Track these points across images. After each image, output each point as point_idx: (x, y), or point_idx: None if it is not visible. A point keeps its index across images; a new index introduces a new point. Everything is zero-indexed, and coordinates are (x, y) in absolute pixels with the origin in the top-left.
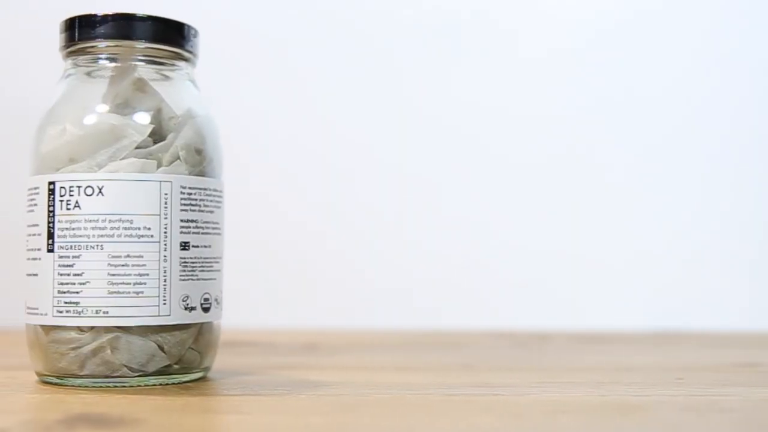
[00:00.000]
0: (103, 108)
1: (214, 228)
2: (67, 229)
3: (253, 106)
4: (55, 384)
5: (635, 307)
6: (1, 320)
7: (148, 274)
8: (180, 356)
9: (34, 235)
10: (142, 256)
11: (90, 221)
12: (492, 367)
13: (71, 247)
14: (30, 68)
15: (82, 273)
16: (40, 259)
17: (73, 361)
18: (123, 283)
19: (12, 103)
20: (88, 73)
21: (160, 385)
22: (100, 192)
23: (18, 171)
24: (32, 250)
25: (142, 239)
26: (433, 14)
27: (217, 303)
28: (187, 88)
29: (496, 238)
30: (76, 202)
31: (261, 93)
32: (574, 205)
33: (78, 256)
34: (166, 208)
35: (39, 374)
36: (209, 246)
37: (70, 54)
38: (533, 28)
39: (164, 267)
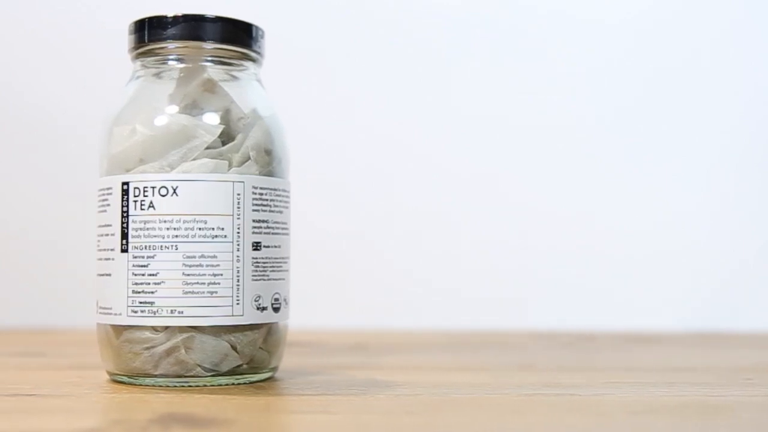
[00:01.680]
0: (173, 109)
1: (283, 228)
2: (141, 229)
3: (307, 106)
4: (127, 383)
5: (672, 308)
6: (56, 320)
7: (222, 274)
8: (251, 356)
9: (106, 235)
10: (216, 257)
11: (164, 221)
12: (552, 367)
13: (145, 247)
14: (96, 70)
15: (157, 273)
16: (113, 259)
17: (147, 361)
18: (197, 283)
19: (78, 105)
20: (157, 74)
21: (231, 384)
22: (174, 192)
23: (74, 172)
24: (104, 250)
25: (216, 239)
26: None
27: (286, 303)
28: (254, 88)
29: (533, 237)
30: (151, 202)
31: (314, 92)
32: (618, 205)
33: (152, 257)
34: (238, 208)
35: (110, 373)
36: (279, 246)
37: (139, 55)
38: (577, 25)
39: (237, 267)
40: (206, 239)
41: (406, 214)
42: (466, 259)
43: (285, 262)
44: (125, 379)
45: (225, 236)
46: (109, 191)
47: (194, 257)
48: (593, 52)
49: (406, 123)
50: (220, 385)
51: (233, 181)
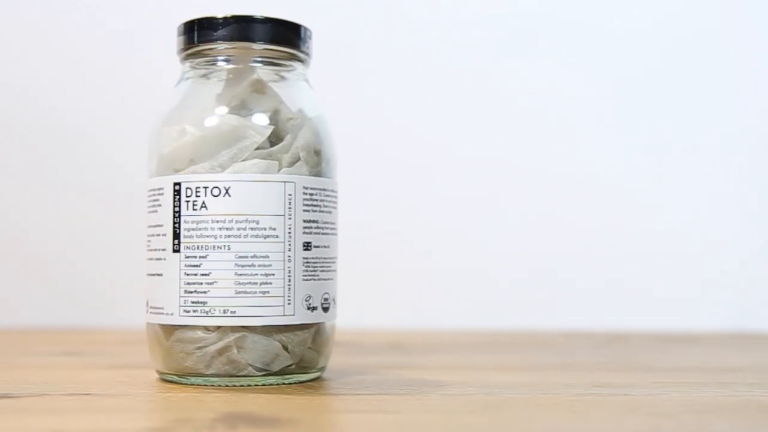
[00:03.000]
0: (222, 109)
1: (331, 228)
2: (193, 229)
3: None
4: (177, 383)
5: (702, 307)
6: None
7: (273, 274)
8: (301, 356)
9: (157, 235)
10: (268, 256)
11: (217, 221)
12: (595, 367)
13: (198, 247)
14: (143, 71)
15: (210, 273)
16: (165, 259)
17: (198, 361)
18: (250, 283)
19: (126, 107)
20: (205, 75)
21: (280, 384)
22: (227, 193)
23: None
24: (155, 250)
25: (268, 239)
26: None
27: (334, 303)
28: (302, 89)
29: (563, 237)
30: (203, 202)
31: (360, 92)
32: (654, 206)
33: (205, 257)
34: (290, 208)
35: (159, 372)
36: (328, 246)
37: (188, 56)
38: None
39: (288, 267)
40: (258, 239)
41: (440, 214)
42: (495, 258)
43: (333, 262)
44: (175, 378)
45: (277, 236)
46: (160, 191)
47: (246, 257)
48: (625, 56)
49: (445, 122)
50: (270, 384)
51: (285, 182)
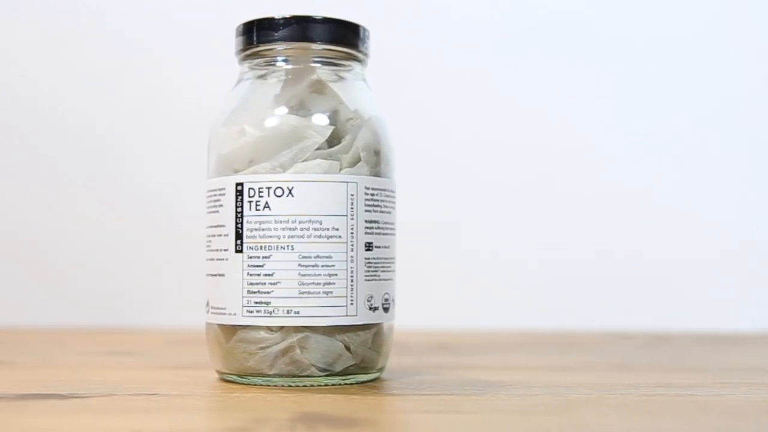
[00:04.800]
0: (282, 110)
1: (391, 229)
2: (256, 229)
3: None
4: (238, 383)
5: (740, 308)
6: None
7: (336, 275)
8: (363, 356)
9: (218, 236)
10: (331, 257)
11: (280, 222)
12: (650, 367)
13: (261, 247)
14: (200, 72)
15: (273, 273)
16: (226, 259)
17: (261, 361)
18: (313, 284)
19: (182, 108)
20: (263, 76)
21: (341, 384)
22: (290, 193)
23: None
24: (217, 250)
25: (331, 240)
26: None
27: (394, 303)
28: (360, 89)
29: (596, 239)
30: (266, 203)
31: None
32: (692, 206)
33: (268, 257)
34: (352, 208)
35: (219, 373)
36: (388, 246)
37: (246, 57)
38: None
39: (351, 267)
40: (321, 239)
41: (481, 214)
42: (531, 259)
43: (393, 263)
44: (236, 378)
45: (339, 236)
46: (222, 192)
47: (310, 257)
48: (675, 63)
49: (483, 119)
50: (331, 385)
51: (347, 182)
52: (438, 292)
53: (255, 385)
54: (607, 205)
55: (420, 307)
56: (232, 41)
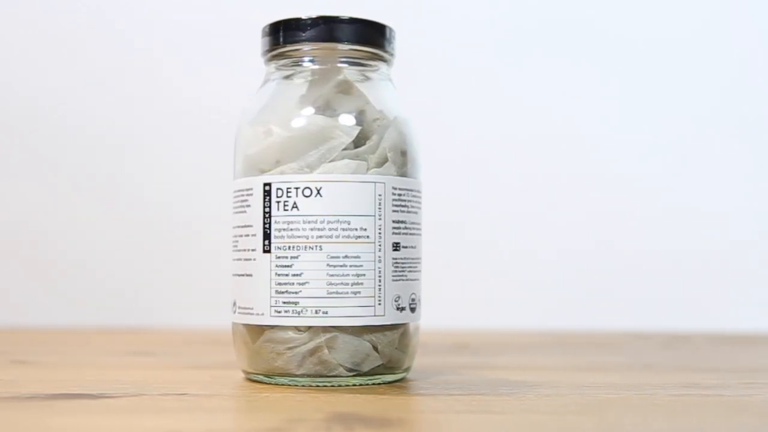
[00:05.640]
0: (309, 110)
1: (417, 229)
2: (284, 229)
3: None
4: (264, 383)
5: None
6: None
7: (364, 275)
8: (390, 356)
9: (246, 236)
10: (359, 257)
11: (308, 222)
12: (673, 367)
13: (289, 247)
14: (224, 73)
15: (301, 273)
16: (254, 259)
17: (289, 361)
18: (341, 284)
19: (208, 109)
20: (289, 76)
21: (367, 384)
22: (318, 193)
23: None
24: (244, 250)
25: (359, 240)
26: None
27: (420, 304)
28: (386, 89)
29: (616, 239)
30: (294, 203)
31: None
32: (707, 207)
33: (296, 257)
34: (380, 209)
35: (246, 372)
36: (415, 247)
37: (272, 58)
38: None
39: (379, 267)
40: (349, 240)
41: (501, 214)
42: (540, 259)
43: (419, 263)
44: (262, 378)
45: (367, 237)
46: (249, 192)
47: (338, 257)
48: (682, 59)
49: (503, 119)
50: (358, 385)
51: (375, 182)
52: (451, 291)
53: (282, 385)
54: (626, 207)
55: (435, 307)
56: (230, 42)
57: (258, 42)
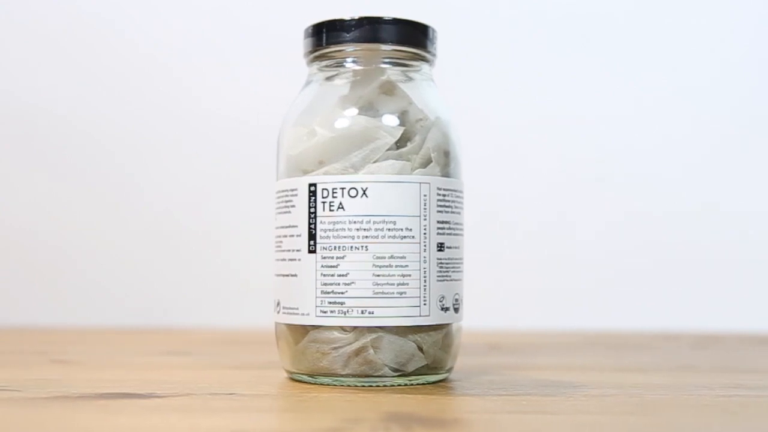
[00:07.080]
0: (352, 111)
1: (460, 229)
2: (330, 230)
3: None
4: (308, 383)
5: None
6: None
7: (410, 275)
8: (434, 356)
9: (290, 236)
10: (404, 257)
11: (354, 222)
12: (714, 368)
13: (335, 248)
14: (266, 74)
15: (347, 273)
16: (299, 260)
17: (334, 361)
18: (387, 284)
19: (250, 109)
20: (331, 77)
21: (411, 384)
22: (364, 193)
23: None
24: (289, 251)
25: (404, 240)
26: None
27: (463, 304)
28: (428, 89)
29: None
30: (340, 203)
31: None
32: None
33: (342, 257)
34: (425, 209)
35: (289, 372)
36: (458, 247)
37: (315, 59)
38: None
39: (424, 268)
40: (395, 240)
41: (536, 214)
42: (573, 260)
43: (462, 263)
44: (306, 378)
45: (413, 237)
46: (294, 192)
47: (384, 258)
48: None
49: (542, 118)
50: (402, 385)
51: (420, 183)
52: (481, 292)
53: (326, 385)
54: (655, 208)
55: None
56: (228, 43)
57: (300, 43)
